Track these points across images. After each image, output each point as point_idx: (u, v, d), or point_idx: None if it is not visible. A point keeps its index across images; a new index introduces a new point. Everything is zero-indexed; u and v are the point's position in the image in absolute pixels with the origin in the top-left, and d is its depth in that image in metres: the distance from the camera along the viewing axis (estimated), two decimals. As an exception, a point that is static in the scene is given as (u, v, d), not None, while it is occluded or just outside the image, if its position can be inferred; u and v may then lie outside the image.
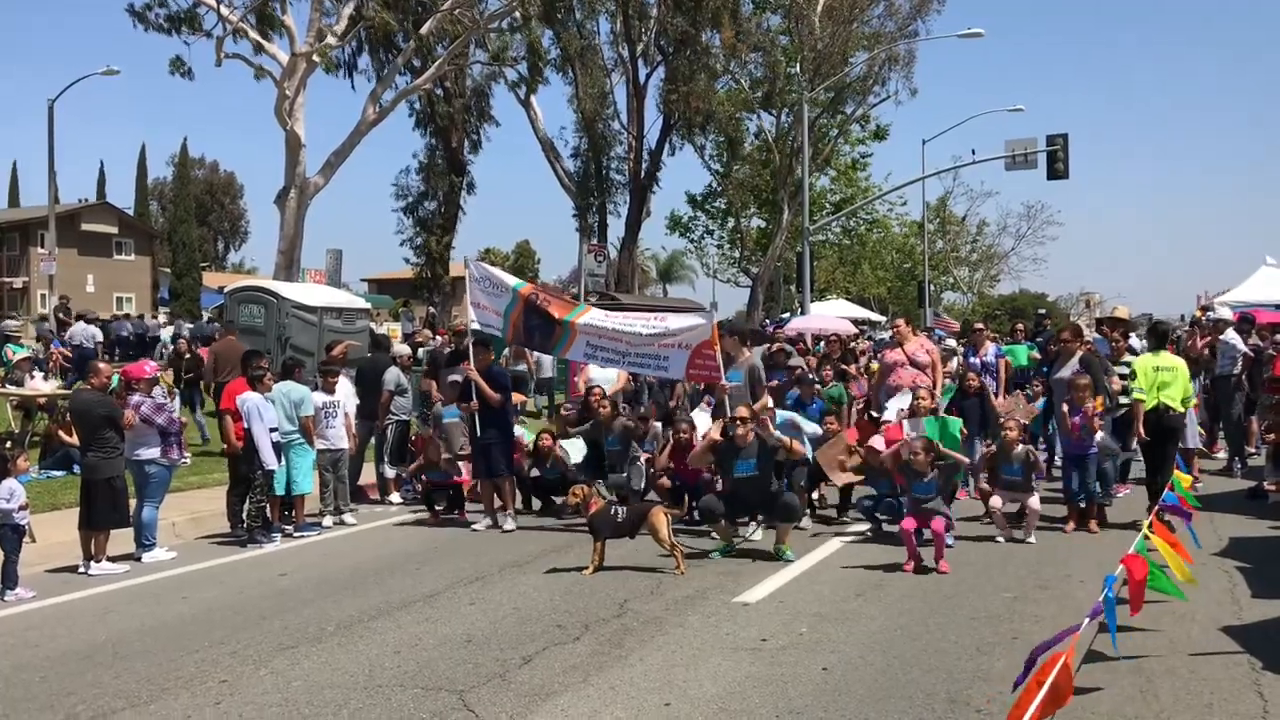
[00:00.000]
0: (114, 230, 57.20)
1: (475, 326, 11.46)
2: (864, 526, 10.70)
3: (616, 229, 41.02)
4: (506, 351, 13.52)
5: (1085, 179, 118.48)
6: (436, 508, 11.68)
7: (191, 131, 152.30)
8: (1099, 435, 10.39)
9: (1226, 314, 15.92)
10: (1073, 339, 11.25)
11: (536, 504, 12.04)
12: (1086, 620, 5.47)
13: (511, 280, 11.66)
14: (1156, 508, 8.56)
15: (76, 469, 11.52)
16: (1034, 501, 9.97)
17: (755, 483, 9.53)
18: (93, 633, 7.47)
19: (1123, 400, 11.25)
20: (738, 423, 9.65)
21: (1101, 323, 14.22)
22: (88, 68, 65.84)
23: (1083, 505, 10.38)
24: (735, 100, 41.21)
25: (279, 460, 10.58)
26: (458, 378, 11.91)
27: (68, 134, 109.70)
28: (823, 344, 17.19)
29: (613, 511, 9.23)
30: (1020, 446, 10.20)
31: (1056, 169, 29.95)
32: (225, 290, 22.36)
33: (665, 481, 11.05)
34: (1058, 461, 12.09)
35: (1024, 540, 9.79)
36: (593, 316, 11.09)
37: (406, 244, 40.59)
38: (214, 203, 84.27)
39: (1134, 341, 12.97)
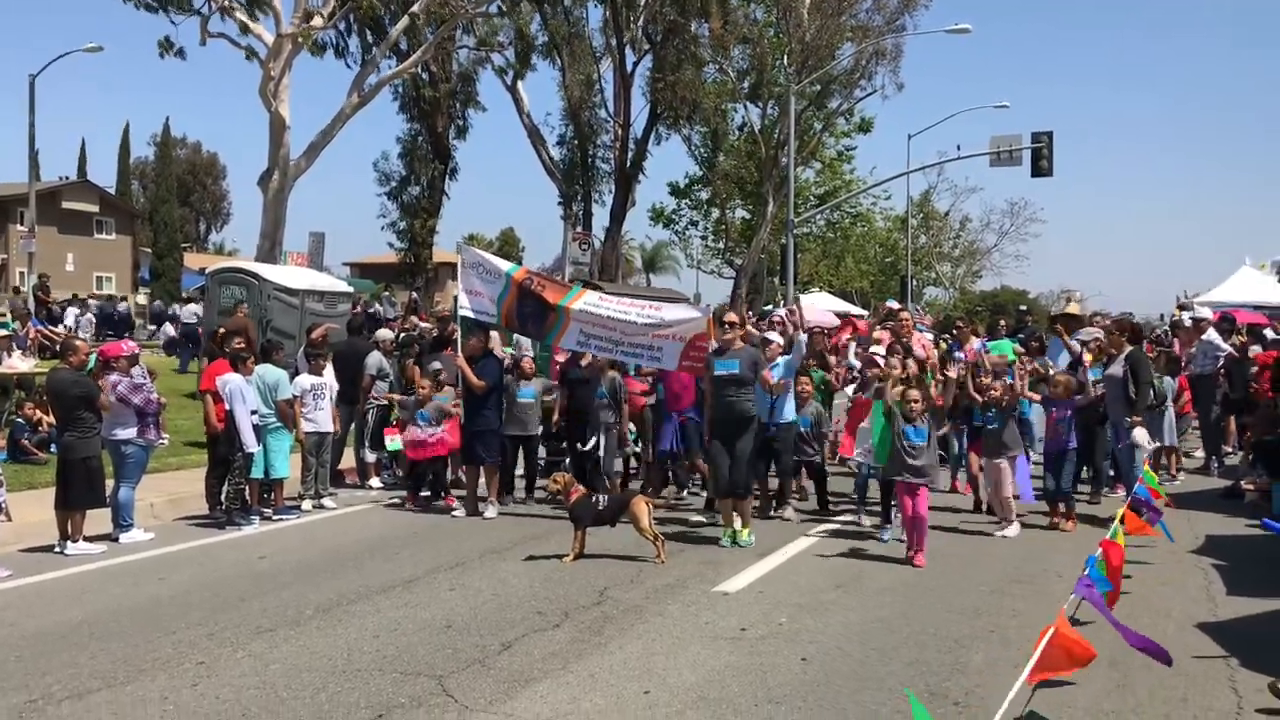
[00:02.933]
0: (95, 209, 56.68)
1: (465, 313, 11.34)
2: (845, 518, 10.74)
3: (601, 218, 40.96)
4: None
5: (1069, 177, 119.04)
6: (423, 494, 11.63)
7: (175, 111, 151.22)
8: (1135, 432, 10.37)
9: (1206, 313, 16.00)
10: (1116, 335, 11.23)
11: (519, 493, 12.03)
12: (1072, 596, 5.52)
13: (505, 265, 11.52)
14: (1130, 500, 8.64)
15: (53, 449, 11.46)
16: (1007, 486, 10.01)
17: (734, 385, 9.51)
18: (69, 613, 7.42)
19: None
20: (727, 326, 9.72)
21: (1055, 320, 14.19)
22: (71, 43, 65.33)
23: (1061, 504, 10.43)
24: (722, 91, 41.17)
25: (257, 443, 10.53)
26: (438, 364, 11.88)
27: (49, 111, 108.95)
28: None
29: (594, 500, 9.22)
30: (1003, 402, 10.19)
31: (1041, 166, 30.03)
32: (207, 271, 22.21)
33: (642, 400, 11.82)
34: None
35: (1004, 535, 9.84)
36: (587, 302, 10.93)
37: (389, 228, 40.44)
38: (196, 183, 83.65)
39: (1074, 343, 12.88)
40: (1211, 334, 14.80)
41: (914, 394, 9.32)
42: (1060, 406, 10.47)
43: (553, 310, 10.91)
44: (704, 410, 10.81)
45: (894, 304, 16.74)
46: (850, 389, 11.58)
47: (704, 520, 10.52)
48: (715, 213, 49.11)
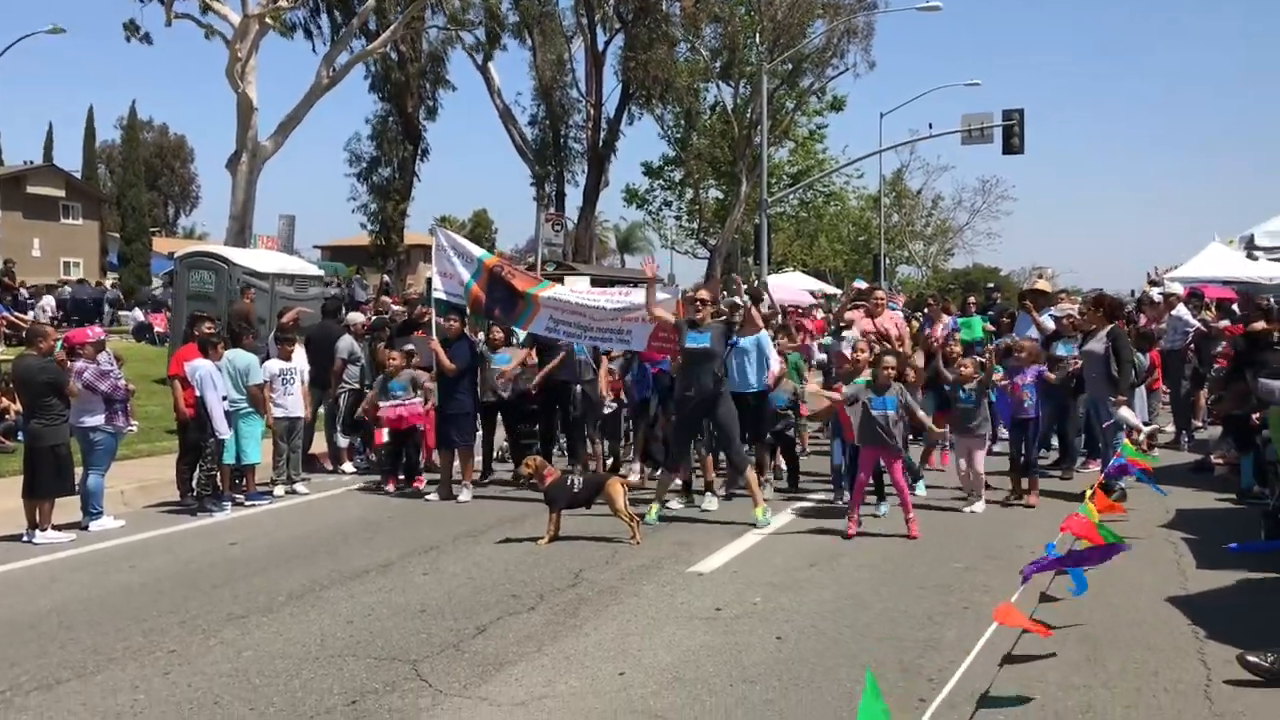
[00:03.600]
0: (61, 193, 55.89)
1: (439, 296, 11.34)
2: (818, 496, 10.77)
3: (574, 198, 40.87)
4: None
5: (1040, 155, 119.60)
6: (402, 477, 11.62)
7: (141, 94, 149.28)
8: (1122, 410, 10.41)
9: (1177, 289, 16.10)
10: (1094, 311, 11.24)
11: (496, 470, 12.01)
12: (1024, 582, 5.59)
13: (478, 251, 11.61)
14: (1103, 474, 8.70)
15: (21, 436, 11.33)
16: (979, 461, 10.07)
17: (706, 359, 9.52)
18: (37, 602, 7.34)
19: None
20: (697, 305, 9.74)
21: (1024, 296, 14.22)
22: (32, 26, 64.30)
23: (1024, 478, 10.46)
24: (694, 70, 41.07)
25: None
26: (410, 346, 11.84)
27: (12, 95, 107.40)
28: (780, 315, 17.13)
29: (569, 482, 9.20)
30: (976, 380, 10.21)
31: (1012, 144, 30.16)
32: (176, 256, 21.97)
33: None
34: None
35: (971, 511, 9.89)
36: (557, 291, 11.08)
37: (360, 210, 40.18)
38: (164, 167, 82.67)
39: (1047, 319, 12.90)
40: (1181, 309, 14.91)
41: (889, 359, 9.32)
42: (1024, 374, 10.48)
43: (521, 297, 10.97)
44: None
45: (862, 284, 16.74)
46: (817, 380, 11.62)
47: (680, 504, 10.49)
48: (689, 193, 49.05)
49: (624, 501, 8.95)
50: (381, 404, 11.48)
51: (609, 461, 12.34)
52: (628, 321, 10.64)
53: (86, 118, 64.47)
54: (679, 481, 10.75)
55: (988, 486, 10.31)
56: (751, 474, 9.77)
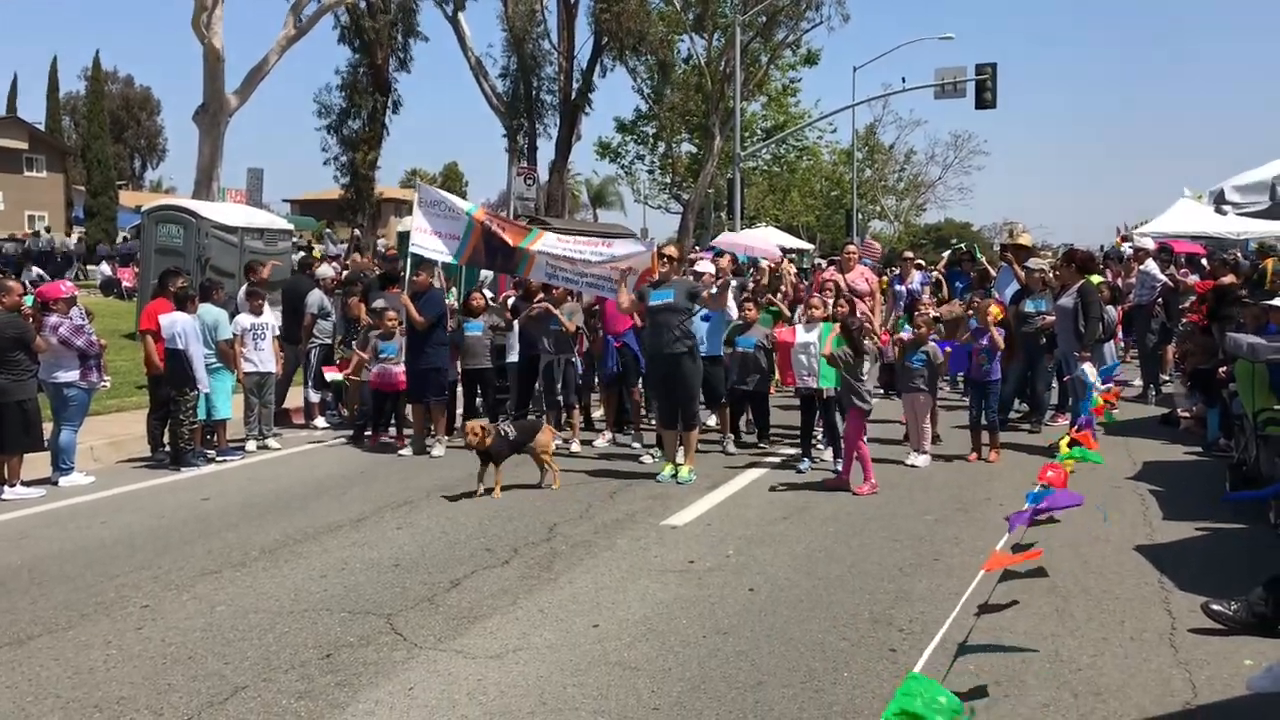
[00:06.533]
0: (24, 146, 55.01)
1: (417, 250, 11.28)
2: (789, 451, 10.82)
3: (547, 152, 40.52)
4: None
5: (1012, 109, 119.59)
6: (391, 432, 11.65)
7: (105, 45, 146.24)
8: (1084, 366, 10.46)
9: (1148, 244, 16.20)
10: (1065, 266, 11.25)
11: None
12: (1008, 532, 5.64)
13: (464, 204, 11.57)
14: (1076, 424, 8.79)
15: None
16: (924, 416, 10.24)
17: (670, 313, 9.48)
18: (8, 558, 7.30)
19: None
20: (665, 260, 9.78)
21: (1005, 249, 14.25)
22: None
23: (986, 434, 10.53)
24: (668, 21, 40.68)
25: (197, 384, 10.41)
26: (382, 303, 11.77)
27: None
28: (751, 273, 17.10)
29: (503, 433, 9.23)
30: (931, 343, 10.32)
31: (984, 98, 30.07)
32: (143, 209, 21.68)
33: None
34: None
35: (913, 465, 9.99)
36: (546, 243, 11.08)
37: (331, 162, 39.64)
38: (130, 119, 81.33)
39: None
40: (1150, 264, 15.01)
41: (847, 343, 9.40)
42: (983, 336, 10.53)
43: (516, 250, 11.05)
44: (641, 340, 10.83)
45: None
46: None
47: (653, 457, 10.52)
48: (662, 147, 48.77)
49: (551, 449, 9.29)
50: (374, 365, 11.46)
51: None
52: (613, 270, 10.65)
53: (50, 69, 63.09)
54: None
55: (937, 439, 10.42)
56: (694, 436, 9.84)
